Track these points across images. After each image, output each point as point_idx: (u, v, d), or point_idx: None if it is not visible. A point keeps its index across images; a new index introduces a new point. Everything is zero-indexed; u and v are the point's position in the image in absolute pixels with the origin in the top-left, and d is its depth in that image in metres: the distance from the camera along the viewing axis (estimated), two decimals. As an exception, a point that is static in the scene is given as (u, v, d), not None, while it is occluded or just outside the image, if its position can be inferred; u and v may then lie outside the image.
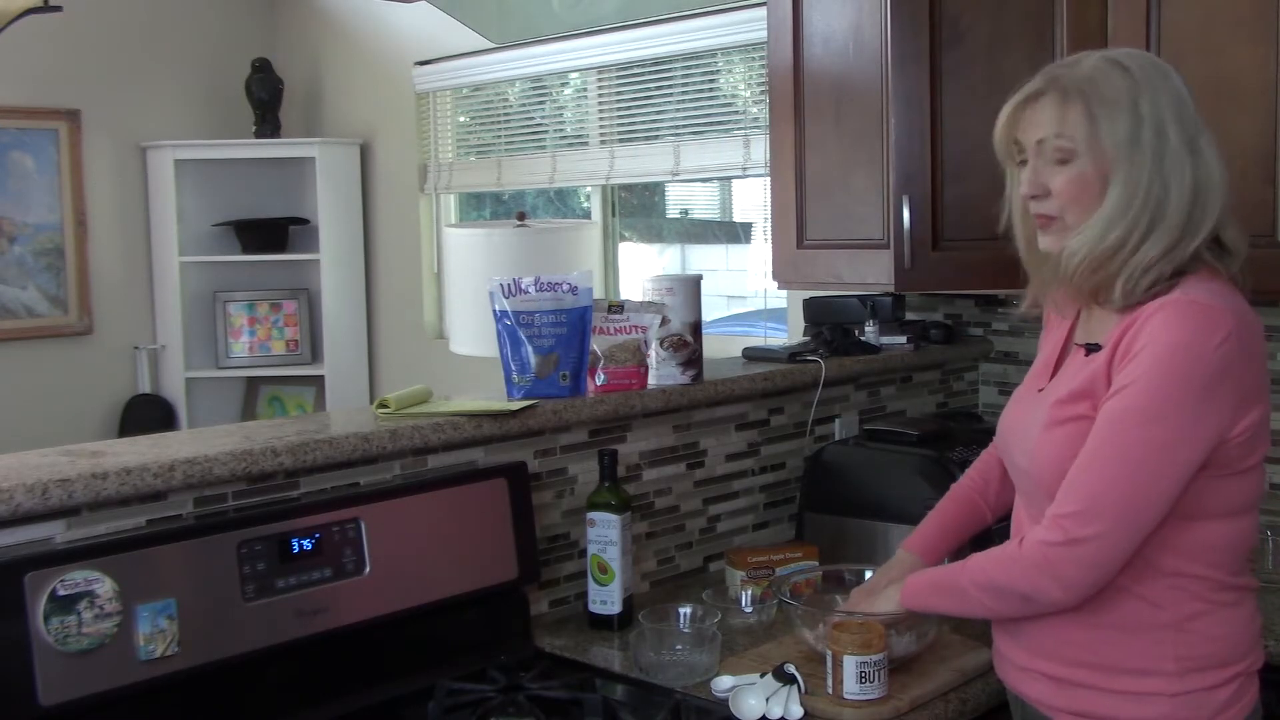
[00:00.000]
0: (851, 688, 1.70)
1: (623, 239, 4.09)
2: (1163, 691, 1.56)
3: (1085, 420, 1.55)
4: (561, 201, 4.42)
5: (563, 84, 4.16)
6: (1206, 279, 1.55)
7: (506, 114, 4.35)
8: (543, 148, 4.20)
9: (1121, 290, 1.55)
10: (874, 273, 2.47)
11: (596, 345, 2.21)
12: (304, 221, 4.72)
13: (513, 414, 2.05)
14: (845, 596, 1.96)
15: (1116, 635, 1.57)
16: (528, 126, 4.28)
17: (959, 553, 1.93)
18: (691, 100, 3.70)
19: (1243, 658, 1.59)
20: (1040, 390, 1.69)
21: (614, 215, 4.05)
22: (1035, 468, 1.62)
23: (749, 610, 2.12)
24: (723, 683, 1.79)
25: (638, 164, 3.82)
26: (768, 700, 1.71)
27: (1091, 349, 1.60)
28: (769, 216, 2.70)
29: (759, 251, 3.59)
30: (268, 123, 4.77)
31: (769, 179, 2.69)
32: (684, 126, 3.71)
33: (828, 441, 2.59)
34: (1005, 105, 1.65)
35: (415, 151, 4.54)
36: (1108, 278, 1.56)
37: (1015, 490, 1.91)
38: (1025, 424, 1.67)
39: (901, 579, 1.78)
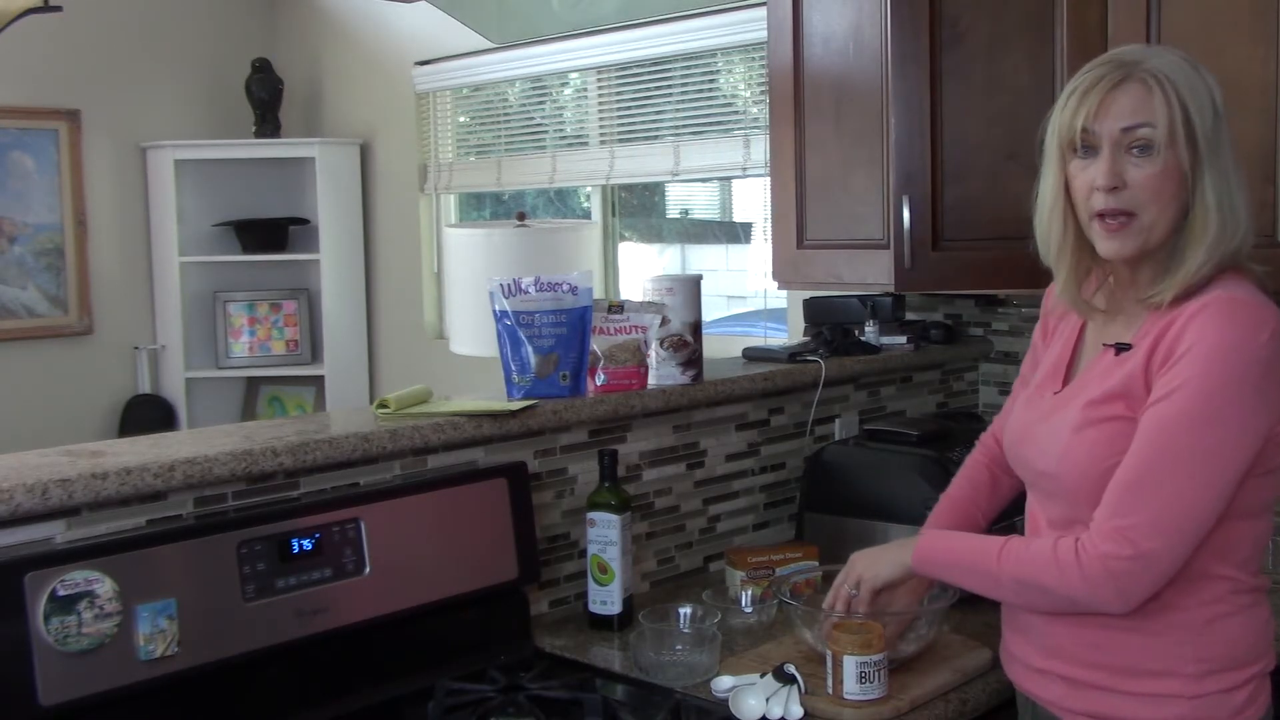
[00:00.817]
0: (851, 688, 1.70)
1: (623, 239, 4.09)
2: (1181, 693, 1.55)
3: (1121, 421, 1.53)
4: (561, 201, 4.43)
5: (563, 84, 4.16)
6: (1237, 278, 1.54)
7: (506, 114, 4.36)
8: (543, 148, 4.20)
9: (1183, 281, 1.52)
10: (874, 273, 2.47)
11: (596, 345, 2.21)
12: (304, 221, 4.72)
13: (513, 414, 2.05)
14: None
15: (1138, 637, 1.56)
16: (528, 126, 4.29)
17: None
18: (691, 100, 3.70)
19: (1258, 659, 1.59)
20: (1055, 394, 1.66)
21: (614, 215, 4.05)
22: (1067, 471, 1.58)
23: (749, 610, 2.12)
24: (723, 683, 1.79)
25: (638, 164, 3.83)
26: (768, 700, 1.71)
27: (1122, 348, 1.58)
28: (769, 216, 2.70)
29: (759, 251, 3.59)
30: (268, 123, 4.77)
31: (769, 179, 2.69)
32: (684, 126, 3.71)
33: (828, 441, 2.59)
34: (1075, 90, 1.56)
35: (415, 151, 4.54)
36: (1190, 271, 1.53)
37: (1005, 497, 1.90)
38: (1046, 427, 1.63)
39: (908, 544, 1.74)
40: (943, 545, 1.71)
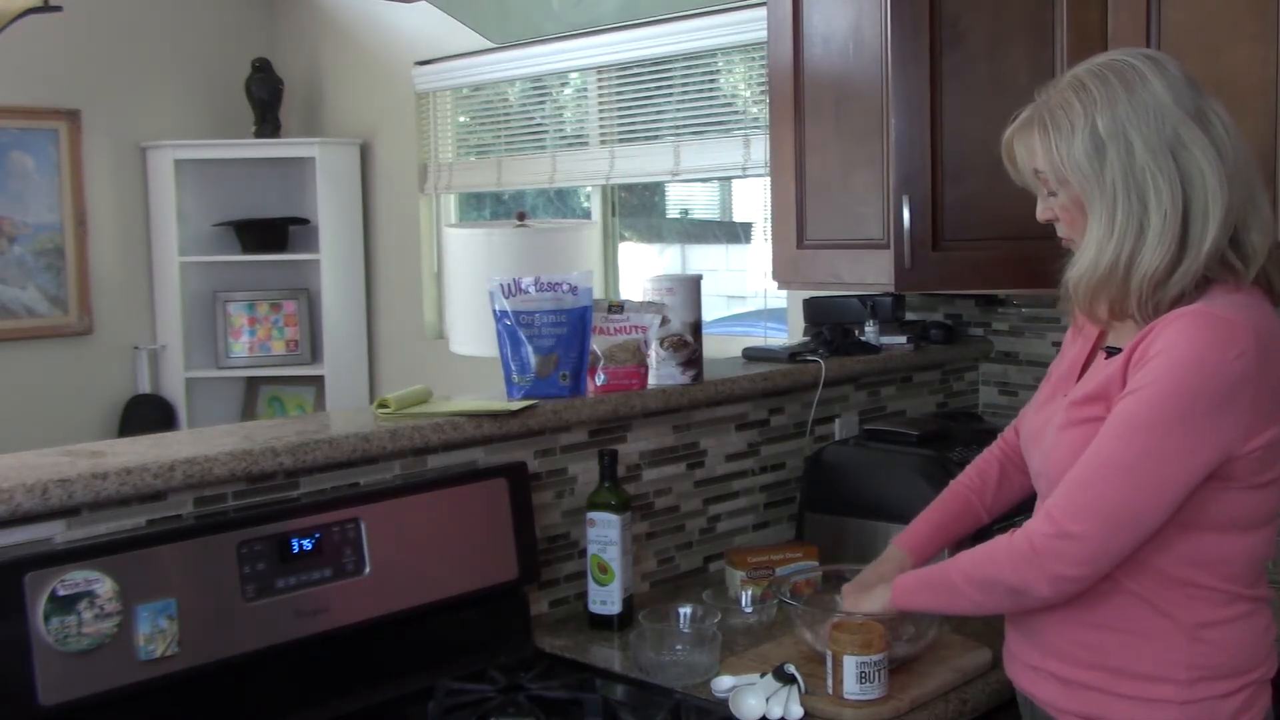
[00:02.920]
0: (851, 688, 1.70)
1: (623, 239, 4.09)
2: (1173, 699, 1.55)
3: (1099, 422, 1.54)
4: (561, 201, 4.42)
5: (563, 84, 4.16)
6: (1231, 289, 1.54)
7: (506, 114, 4.35)
8: (543, 148, 4.20)
9: (1139, 310, 1.54)
10: (874, 273, 2.47)
11: (596, 345, 2.21)
12: (304, 221, 4.72)
13: (513, 414, 2.05)
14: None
15: (1130, 640, 1.57)
16: (528, 126, 4.28)
17: (954, 550, 1.93)
18: (691, 100, 3.70)
19: (1255, 667, 1.59)
20: (1064, 395, 1.68)
21: (614, 215, 4.05)
22: (1050, 468, 1.61)
23: (749, 610, 2.12)
24: (723, 683, 1.79)
25: (638, 164, 3.82)
26: (768, 700, 1.71)
27: (1112, 352, 1.60)
28: (769, 216, 2.69)
29: (759, 251, 3.59)
30: (268, 123, 4.77)
31: (769, 179, 2.69)
32: (684, 126, 3.71)
33: (828, 441, 2.59)
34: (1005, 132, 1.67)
35: (415, 151, 4.54)
36: (1117, 299, 1.55)
37: (1014, 492, 1.92)
38: (1046, 428, 1.67)
39: (891, 577, 1.78)
40: (911, 578, 1.74)
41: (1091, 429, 1.55)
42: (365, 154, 4.72)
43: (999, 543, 1.60)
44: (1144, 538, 1.51)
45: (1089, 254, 1.56)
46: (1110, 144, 1.53)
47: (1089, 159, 1.53)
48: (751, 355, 2.65)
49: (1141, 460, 1.49)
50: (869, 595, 1.80)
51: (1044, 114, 1.58)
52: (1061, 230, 1.65)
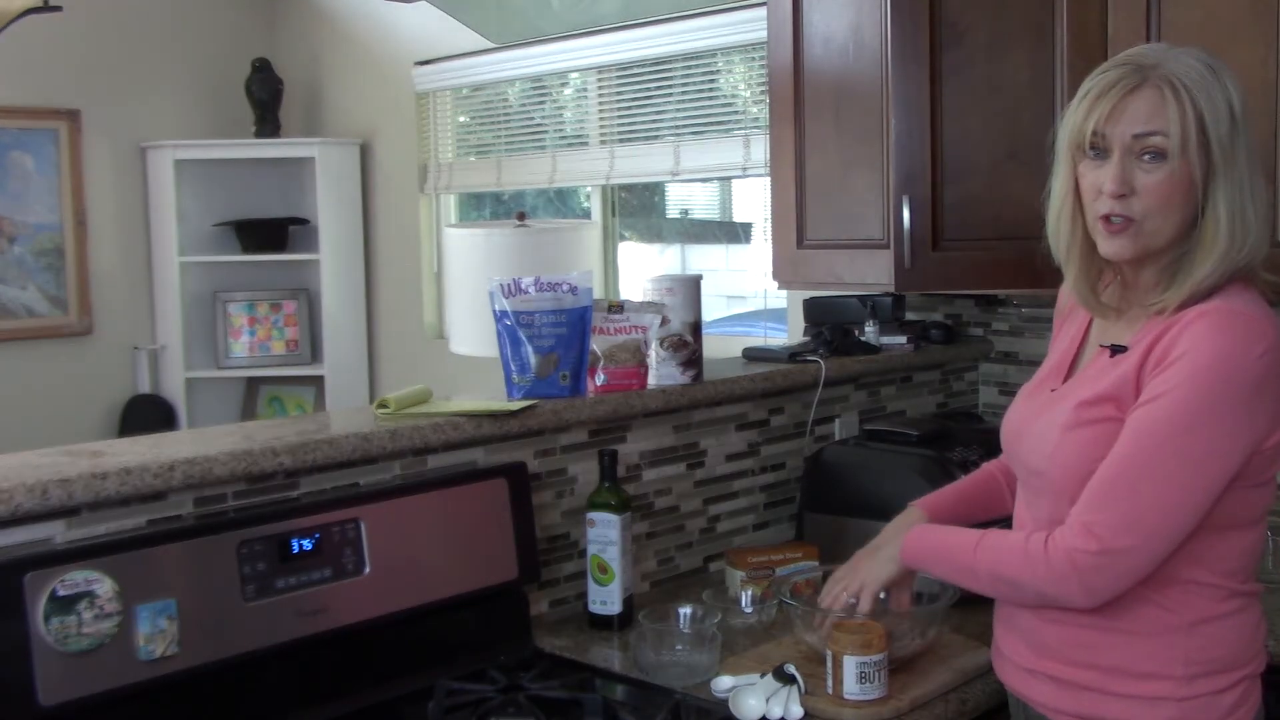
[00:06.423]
0: (851, 688, 1.70)
1: (623, 239, 4.09)
2: (1170, 695, 1.55)
3: (1110, 423, 1.53)
4: (561, 201, 4.43)
5: (563, 84, 4.16)
6: (1242, 289, 1.53)
7: (506, 114, 4.36)
8: (543, 148, 4.20)
9: (1191, 292, 1.51)
10: (874, 273, 2.47)
11: (596, 345, 2.21)
12: (304, 221, 4.72)
13: (513, 414, 2.05)
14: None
15: (1126, 638, 1.57)
16: (528, 126, 4.28)
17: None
18: (691, 100, 3.70)
19: (1249, 661, 1.59)
20: (1053, 390, 1.67)
21: (614, 215, 4.05)
22: (1054, 469, 1.59)
23: (749, 610, 2.12)
24: (723, 683, 1.80)
25: (638, 164, 3.82)
26: (768, 700, 1.71)
27: (1117, 350, 1.58)
28: (769, 216, 2.70)
29: (759, 251, 3.59)
30: (268, 123, 4.77)
31: (769, 179, 2.69)
32: (684, 126, 3.71)
33: (828, 441, 2.59)
34: (1089, 92, 1.54)
35: (415, 151, 4.54)
36: (1204, 280, 1.51)
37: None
38: (1040, 424, 1.64)
39: (899, 539, 1.75)
40: (929, 539, 1.72)
41: (1103, 429, 1.53)
42: (365, 154, 4.72)
43: (1031, 548, 1.55)
44: (1179, 543, 1.50)
45: (1223, 229, 1.50)
46: (1242, 133, 1.52)
47: (1230, 135, 1.50)
48: (751, 355, 2.65)
49: (1177, 467, 1.47)
50: (876, 558, 1.77)
51: (1188, 84, 1.49)
52: (1129, 207, 1.51)
